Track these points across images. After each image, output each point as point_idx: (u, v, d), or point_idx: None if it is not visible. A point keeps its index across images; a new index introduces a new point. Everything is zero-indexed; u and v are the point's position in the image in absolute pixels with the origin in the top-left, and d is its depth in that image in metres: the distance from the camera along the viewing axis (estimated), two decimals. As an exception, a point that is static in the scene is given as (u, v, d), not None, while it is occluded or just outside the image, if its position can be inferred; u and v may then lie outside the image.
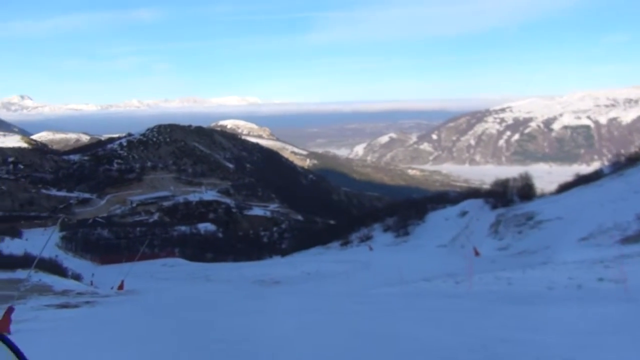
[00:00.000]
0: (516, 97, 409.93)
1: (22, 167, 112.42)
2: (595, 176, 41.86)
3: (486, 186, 67.77)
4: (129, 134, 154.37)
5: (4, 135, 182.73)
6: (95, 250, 62.76)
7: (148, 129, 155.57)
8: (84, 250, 62.73)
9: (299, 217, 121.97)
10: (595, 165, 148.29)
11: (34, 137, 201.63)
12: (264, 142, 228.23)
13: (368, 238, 52.75)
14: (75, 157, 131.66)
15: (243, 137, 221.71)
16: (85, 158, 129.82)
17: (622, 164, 41.34)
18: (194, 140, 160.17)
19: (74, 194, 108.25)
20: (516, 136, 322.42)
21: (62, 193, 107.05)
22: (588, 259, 17.65)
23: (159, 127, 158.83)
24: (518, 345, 6.43)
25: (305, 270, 29.82)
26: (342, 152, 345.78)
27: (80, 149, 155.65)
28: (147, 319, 11.77)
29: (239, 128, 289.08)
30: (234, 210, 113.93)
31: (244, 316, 10.96)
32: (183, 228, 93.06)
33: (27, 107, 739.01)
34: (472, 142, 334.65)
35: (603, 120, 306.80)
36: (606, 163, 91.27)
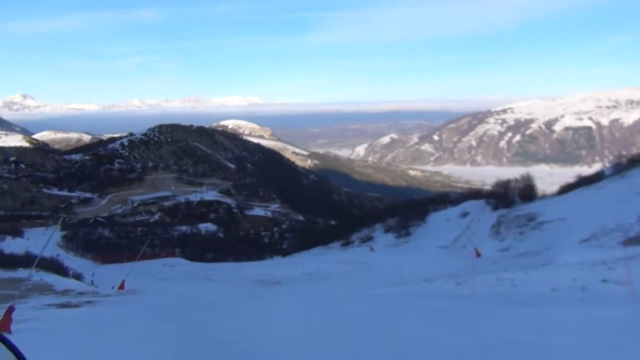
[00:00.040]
0: (517, 98, 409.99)
1: (23, 166, 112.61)
2: (597, 177, 41.80)
3: (487, 187, 67.62)
4: (131, 134, 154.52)
5: (6, 135, 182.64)
6: (96, 250, 62.82)
7: (149, 129, 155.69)
8: (85, 250, 62.80)
9: (300, 218, 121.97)
10: (596, 167, 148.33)
11: (36, 136, 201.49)
12: (265, 142, 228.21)
13: (369, 239, 52.70)
14: (76, 157, 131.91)
15: (244, 137, 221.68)
16: (87, 158, 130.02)
17: (624, 166, 41.28)
18: (195, 140, 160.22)
19: (75, 194, 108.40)
20: (517, 137, 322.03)
21: (64, 192, 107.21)
22: (590, 260, 17.58)
23: (161, 127, 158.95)
24: (522, 347, 6.37)
25: (306, 271, 29.78)
26: (343, 153, 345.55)
27: (82, 148, 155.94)
28: (147, 318, 11.74)
29: (240, 128, 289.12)
30: (235, 210, 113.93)
31: (245, 316, 10.92)
32: (184, 228, 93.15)
33: (29, 107, 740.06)
34: (474, 143, 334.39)
35: (605, 121, 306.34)
36: (608, 164, 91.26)
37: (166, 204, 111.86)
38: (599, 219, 26.00)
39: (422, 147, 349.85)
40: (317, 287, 22.28)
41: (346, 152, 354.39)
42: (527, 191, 44.70)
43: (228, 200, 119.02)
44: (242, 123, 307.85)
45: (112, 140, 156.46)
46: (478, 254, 29.83)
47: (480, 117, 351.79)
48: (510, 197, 44.46)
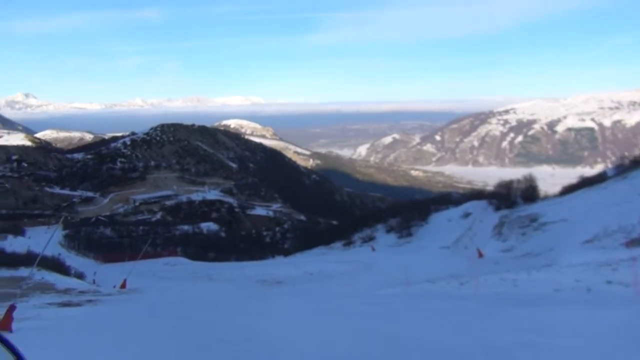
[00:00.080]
0: (520, 99, 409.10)
1: (25, 165, 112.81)
2: (600, 179, 41.68)
3: (489, 188, 67.49)
4: (133, 133, 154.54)
5: (8, 133, 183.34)
6: (98, 249, 62.86)
7: (151, 128, 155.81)
8: (86, 249, 62.85)
9: (302, 217, 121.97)
10: (598, 168, 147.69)
11: (38, 135, 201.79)
12: (267, 142, 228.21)
13: (371, 239, 52.64)
14: (78, 156, 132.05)
15: (246, 137, 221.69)
16: (89, 157, 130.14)
17: (627, 167, 41.19)
18: (197, 140, 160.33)
19: (77, 193, 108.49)
20: (519, 138, 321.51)
21: (66, 191, 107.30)
22: (593, 261, 17.50)
23: (163, 126, 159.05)
24: (525, 348, 6.32)
25: (307, 271, 29.74)
26: (345, 153, 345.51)
27: (84, 147, 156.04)
28: (149, 318, 11.72)
29: (242, 128, 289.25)
30: (236, 209, 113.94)
31: (246, 316, 10.89)
32: (186, 227, 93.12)
33: (31, 106, 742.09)
34: (476, 143, 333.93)
35: (607, 122, 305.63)
36: (610, 166, 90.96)
37: (168, 203, 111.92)
38: (601, 220, 25.90)
39: (424, 148, 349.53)
40: (318, 287, 22.25)
41: (348, 152, 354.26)
42: (529, 192, 44.59)
43: (230, 199, 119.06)
44: (244, 123, 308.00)
45: (115, 139, 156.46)
46: (480, 255, 29.76)
47: (482, 117, 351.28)
48: (512, 197, 44.36)
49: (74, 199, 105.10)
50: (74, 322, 10.91)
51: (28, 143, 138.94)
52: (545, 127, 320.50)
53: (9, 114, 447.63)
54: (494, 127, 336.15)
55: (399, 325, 8.68)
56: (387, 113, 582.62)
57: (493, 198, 46.87)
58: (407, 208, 58.99)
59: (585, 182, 42.52)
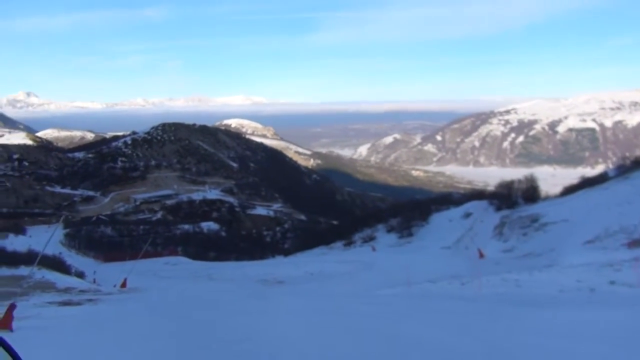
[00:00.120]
0: (521, 99, 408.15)
1: (27, 164, 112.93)
2: (601, 179, 41.61)
3: (490, 188, 67.36)
4: (134, 132, 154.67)
5: (9, 132, 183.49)
6: (99, 248, 62.84)
7: (153, 128, 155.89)
8: (87, 248, 62.83)
9: (302, 217, 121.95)
10: (600, 168, 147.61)
11: (39, 134, 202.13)
12: (268, 142, 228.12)
13: (371, 239, 52.58)
14: (79, 155, 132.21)
15: (247, 137, 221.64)
16: (90, 156, 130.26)
17: (628, 167, 41.15)
18: (198, 139, 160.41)
19: (78, 192, 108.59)
20: (520, 138, 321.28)
21: (67, 190, 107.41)
22: (595, 262, 17.47)
23: (164, 125, 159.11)
24: (527, 349, 6.29)
25: (308, 270, 29.73)
26: (346, 153, 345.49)
27: (85, 146, 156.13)
28: (149, 317, 11.70)
29: (243, 127, 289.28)
30: (237, 209, 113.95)
31: (247, 315, 10.86)
32: (186, 226, 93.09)
33: (32, 104, 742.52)
34: (477, 143, 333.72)
35: (608, 123, 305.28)
36: (611, 166, 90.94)
37: (169, 202, 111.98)
38: (602, 220, 25.87)
39: (425, 148, 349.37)
40: (319, 287, 22.23)
41: (349, 152, 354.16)
42: (530, 192, 44.52)
43: (230, 199, 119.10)
44: (245, 122, 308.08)
45: (116, 138, 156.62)
46: (481, 255, 29.73)
47: (483, 117, 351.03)
48: (513, 198, 44.31)
49: (75, 198, 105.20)
50: (74, 321, 10.89)
51: (29, 142, 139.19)
52: (547, 128, 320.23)
53: (10, 112, 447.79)
54: (495, 127, 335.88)
55: (399, 326, 8.65)
56: (388, 113, 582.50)
57: (494, 198, 46.81)
58: (408, 208, 58.91)
59: (587, 183, 42.43)
